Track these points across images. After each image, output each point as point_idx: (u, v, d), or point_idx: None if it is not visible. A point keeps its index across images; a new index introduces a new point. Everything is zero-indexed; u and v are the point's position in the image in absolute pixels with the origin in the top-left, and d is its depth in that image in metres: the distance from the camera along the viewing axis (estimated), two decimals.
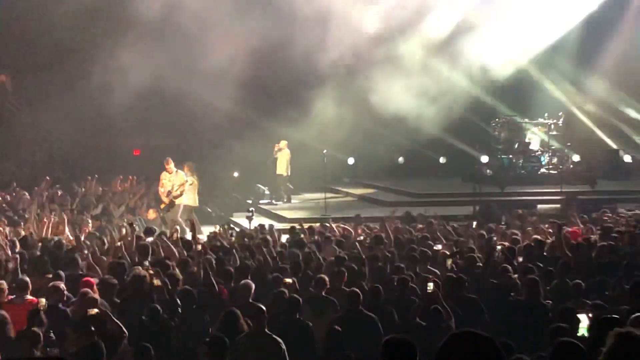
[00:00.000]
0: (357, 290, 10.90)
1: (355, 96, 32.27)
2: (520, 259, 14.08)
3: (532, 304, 10.84)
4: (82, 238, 16.42)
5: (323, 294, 11.60)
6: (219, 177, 30.12)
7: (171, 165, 22.28)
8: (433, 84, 32.77)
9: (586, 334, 8.04)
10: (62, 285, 11.37)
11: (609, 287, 11.71)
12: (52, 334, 9.89)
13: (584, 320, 8.28)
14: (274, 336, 9.53)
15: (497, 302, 11.48)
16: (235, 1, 29.31)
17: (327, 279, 11.88)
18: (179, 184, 22.08)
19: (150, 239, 15.77)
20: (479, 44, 32.63)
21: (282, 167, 27.63)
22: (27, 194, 24.99)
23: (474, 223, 19.90)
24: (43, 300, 10.53)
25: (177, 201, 22.30)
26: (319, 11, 29.15)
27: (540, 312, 10.61)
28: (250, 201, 26.65)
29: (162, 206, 22.40)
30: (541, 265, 13.21)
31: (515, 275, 12.48)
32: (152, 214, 23.06)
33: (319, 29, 29.59)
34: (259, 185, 26.02)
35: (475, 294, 11.69)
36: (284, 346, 9.44)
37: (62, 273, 12.33)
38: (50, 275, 12.34)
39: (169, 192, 22.14)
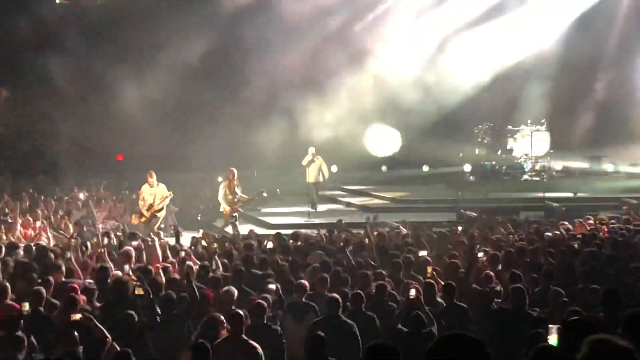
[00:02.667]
0: (337, 296, 10.90)
1: (339, 101, 32.46)
2: (507, 266, 14.11)
3: (517, 313, 10.85)
4: (66, 243, 16.40)
5: (303, 299, 11.62)
6: (202, 182, 30.08)
7: (154, 179, 22.09)
8: (417, 90, 33.00)
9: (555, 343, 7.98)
10: (44, 291, 11.33)
11: (587, 294, 11.77)
12: (33, 339, 9.87)
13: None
14: (251, 342, 9.56)
15: (480, 309, 11.49)
16: None
17: (307, 284, 11.90)
18: (160, 197, 21.99)
19: (134, 244, 15.74)
20: (463, 49, 32.97)
21: (313, 175, 26.55)
22: (8, 199, 24.92)
23: (458, 229, 19.96)
24: (26, 305, 10.51)
25: (158, 214, 22.09)
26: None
27: (525, 320, 10.59)
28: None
29: (143, 219, 22.17)
30: (523, 272, 13.24)
31: (498, 286, 12.50)
32: (135, 219, 22.98)
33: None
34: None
35: (458, 300, 11.72)
36: (261, 351, 9.47)
37: (50, 279, 12.29)
38: (35, 281, 12.29)
39: (151, 205, 21.94)
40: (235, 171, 22.76)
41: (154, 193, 21.98)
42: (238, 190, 22.55)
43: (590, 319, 8.40)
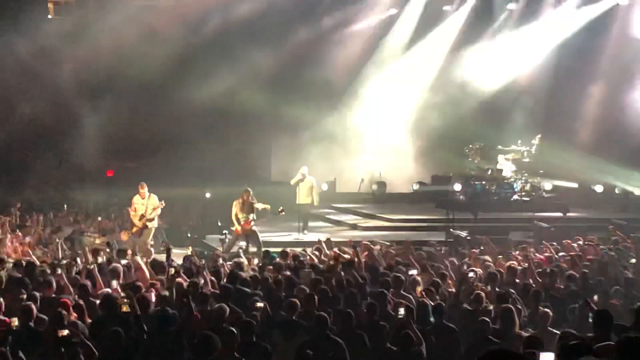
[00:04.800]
0: (324, 314, 10.91)
1: (330, 121, 32.68)
2: (496, 286, 14.13)
3: (506, 333, 10.86)
4: (55, 259, 16.39)
5: (294, 317, 11.61)
6: (192, 198, 30.05)
7: (145, 190, 22.10)
8: (409, 109, 33.27)
9: None
10: (33, 306, 11.32)
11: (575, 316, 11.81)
12: (21, 354, 9.85)
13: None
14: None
15: (469, 329, 11.49)
16: None
17: (298, 302, 11.89)
18: (152, 207, 22.00)
19: (123, 262, 15.73)
20: (455, 68, 33.28)
21: (302, 196, 25.53)
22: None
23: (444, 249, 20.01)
24: (15, 320, 10.50)
25: (149, 224, 22.11)
26: None
27: (514, 341, 10.59)
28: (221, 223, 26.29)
29: (134, 230, 22.15)
30: (513, 292, 13.28)
31: (490, 305, 12.51)
32: (124, 236, 22.95)
33: None
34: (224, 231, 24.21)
35: (447, 321, 11.74)
36: None
37: (36, 294, 12.27)
38: (25, 296, 12.27)
39: (142, 216, 21.97)
40: (251, 191, 22.58)
41: (146, 204, 22.00)
42: (252, 213, 22.21)
43: (584, 340, 8.42)
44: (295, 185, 25.49)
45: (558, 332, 10.10)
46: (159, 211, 22.23)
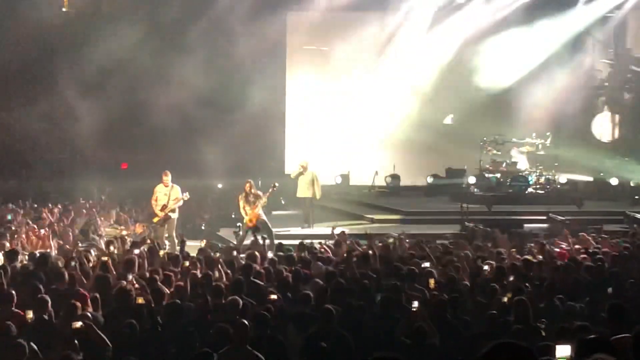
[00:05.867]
0: (330, 307, 10.89)
1: (344, 114, 32.69)
2: (511, 278, 14.08)
3: (520, 326, 10.80)
4: (69, 251, 16.43)
5: (307, 310, 11.58)
6: (206, 190, 30.09)
7: (168, 178, 21.86)
8: (422, 101, 33.17)
9: None
10: (48, 298, 11.34)
11: (588, 309, 11.75)
12: (34, 346, 9.88)
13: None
14: (255, 352, 9.55)
15: (482, 322, 11.44)
16: None
17: (311, 294, 11.86)
18: (174, 198, 21.78)
19: (136, 252, 15.76)
20: (470, 60, 33.14)
21: (302, 189, 25.16)
22: (13, 206, 24.97)
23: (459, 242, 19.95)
24: (30, 313, 10.53)
25: (172, 215, 21.79)
26: None
27: (529, 334, 10.53)
28: (235, 216, 26.24)
29: (156, 219, 22.01)
30: (528, 285, 13.23)
31: (505, 298, 12.46)
32: (139, 228, 22.97)
33: None
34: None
35: (462, 314, 11.71)
36: None
37: (51, 286, 12.30)
38: (39, 288, 12.28)
39: (164, 206, 21.69)
40: (252, 182, 22.45)
41: (168, 193, 21.73)
42: (259, 201, 22.11)
43: (601, 334, 8.36)
44: (296, 178, 25.15)
45: (573, 325, 10.03)
46: (180, 202, 21.95)
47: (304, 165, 25.12)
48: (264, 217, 22.23)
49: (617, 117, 35.18)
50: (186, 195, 21.90)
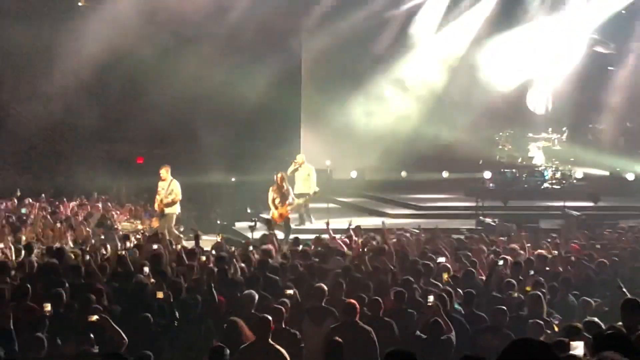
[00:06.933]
0: (354, 301, 10.88)
1: (358, 110, 32.67)
2: (531, 273, 14.06)
3: (534, 320, 10.78)
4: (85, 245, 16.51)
5: (323, 303, 11.60)
6: (221, 185, 30.12)
7: (165, 171, 21.80)
8: (437, 96, 33.11)
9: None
10: (64, 292, 11.39)
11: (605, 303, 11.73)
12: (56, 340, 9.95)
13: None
14: (278, 347, 9.56)
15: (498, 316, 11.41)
16: None
17: (325, 288, 11.87)
18: (169, 192, 21.62)
19: (154, 247, 15.81)
20: (485, 57, 33.02)
21: (298, 186, 24.61)
22: (30, 200, 25.07)
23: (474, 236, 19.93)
24: (48, 306, 10.59)
25: (168, 210, 21.67)
26: None
27: (542, 328, 10.51)
28: (250, 210, 26.21)
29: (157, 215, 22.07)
30: (542, 280, 13.21)
31: (518, 293, 12.45)
32: (155, 222, 23.03)
33: None
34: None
35: (476, 308, 11.70)
36: (287, 356, 9.46)
37: (67, 280, 12.34)
38: (56, 282, 12.33)
39: (161, 201, 21.66)
40: (284, 174, 22.48)
41: (166, 187, 21.67)
42: (290, 196, 22.07)
43: (619, 330, 8.33)
44: (292, 174, 24.66)
45: (587, 320, 10.01)
46: (177, 198, 21.74)
47: (298, 161, 24.83)
48: (291, 215, 22.18)
49: (550, 89, 34.82)
50: (176, 194, 21.73)
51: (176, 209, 21.97)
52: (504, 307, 11.09)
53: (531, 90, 34.59)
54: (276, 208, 21.96)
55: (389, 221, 23.30)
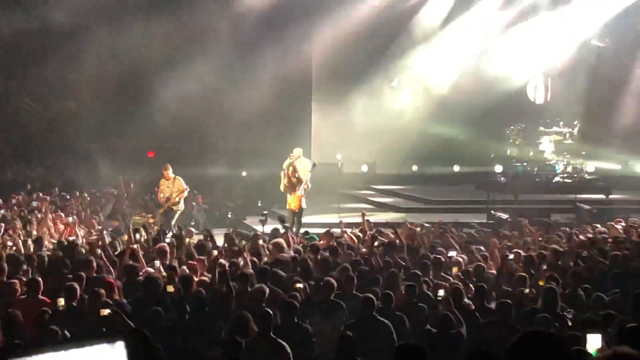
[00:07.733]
0: (371, 295, 10.89)
1: (369, 104, 32.63)
2: (544, 267, 14.03)
3: (548, 314, 10.75)
4: (96, 239, 16.51)
5: (332, 297, 11.59)
6: (232, 179, 30.14)
7: (169, 172, 22.02)
8: (448, 91, 33.02)
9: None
10: (77, 286, 11.40)
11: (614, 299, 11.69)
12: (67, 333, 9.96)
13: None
14: (280, 340, 9.58)
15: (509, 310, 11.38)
16: None
17: (334, 282, 11.85)
18: (177, 191, 21.88)
19: (167, 240, 15.84)
20: (497, 51, 32.89)
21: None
22: (41, 194, 25.11)
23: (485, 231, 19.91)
24: (62, 300, 10.62)
25: (174, 208, 21.94)
26: None
27: (556, 322, 10.47)
28: (261, 204, 26.17)
29: (161, 211, 22.19)
30: (555, 273, 13.17)
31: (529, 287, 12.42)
32: (152, 218, 23.06)
33: None
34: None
35: (488, 303, 11.68)
36: (289, 350, 9.48)
37: (80, 274, 12.33)
38: (68, 276, 12.33)
39: (168, 199, 21.85)
40: (300, 150, 22.56)
41: (171, 186, 21.92)
42: (301, 183, 21.99)
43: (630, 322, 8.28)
44: (287, 169, 23.53)
45: (605, 313, 9.97)
46: (185, 194, 22.15)
47: (293, 155, 23.66)
48: (305, 205, 22.15)
49: (549, 80, 34.66)
50: (186, 188, 22.09)
51: (181, 206, 22.25)
52: (508, 301, 11.06)
53: (531, 81, 34.49)
54: (284, 186, 22.11)
55: (397, 215, 23.26)
